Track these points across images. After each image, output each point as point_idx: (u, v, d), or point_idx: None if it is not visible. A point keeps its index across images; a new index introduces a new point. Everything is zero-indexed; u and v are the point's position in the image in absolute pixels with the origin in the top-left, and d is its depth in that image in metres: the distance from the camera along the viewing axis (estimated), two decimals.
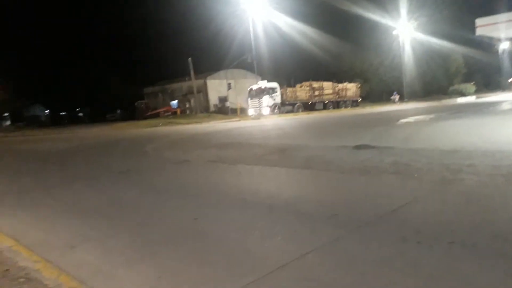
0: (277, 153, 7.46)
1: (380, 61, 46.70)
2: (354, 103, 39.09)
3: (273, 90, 32.60)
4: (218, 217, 3.60)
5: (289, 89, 34.50)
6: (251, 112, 32.10)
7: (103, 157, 10.36)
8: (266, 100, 31.73)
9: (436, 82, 47.09)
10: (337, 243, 2.79)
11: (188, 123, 27.50)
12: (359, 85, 40.18)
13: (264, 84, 32.66)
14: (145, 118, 38.02)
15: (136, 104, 46.67)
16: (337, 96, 37.73)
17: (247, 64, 36.10)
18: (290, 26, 39.72)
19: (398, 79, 43.76)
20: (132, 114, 44.36)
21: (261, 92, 32.19)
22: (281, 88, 33.88)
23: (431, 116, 15.29)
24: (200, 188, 5.01)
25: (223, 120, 28.19)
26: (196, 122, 27.56)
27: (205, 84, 40.07)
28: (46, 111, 70.27)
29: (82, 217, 3.97)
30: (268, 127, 17.01)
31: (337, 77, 41.15)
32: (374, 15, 41.93)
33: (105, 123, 38.99)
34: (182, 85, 42.20)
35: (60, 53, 63.66)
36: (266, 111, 31.30)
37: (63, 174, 7.25)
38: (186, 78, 37.25)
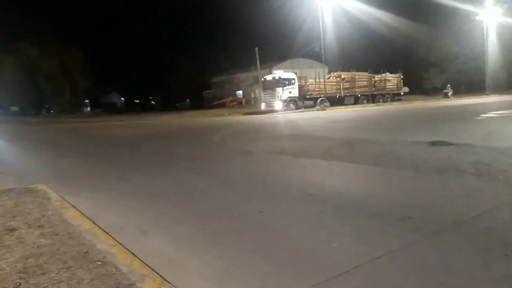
0: (344, 147, 7.22)
1: (459, 49, 42.77)
2: (395, 97, 34.45)
3: (289, 81, 28.74)
4: (284, 211, 3.55)
5: (310, 81, 30.27)
6: (263, 106, 29.17)
7: (173, 144, 10.80)
8: (280, 93, 27.99)
9: None
10: (411, 248, 2.60)
11: (252, 113, 27.76)
12: (401, 76, 35.77)
13: (279, 74, 29.15)
14: (212, 107, 39.11)
15: (203, 93, 48.15)
16: (373, 89, 33.47)
17: (314, 53, 35.27)
18: (361, 12, 37.21)
19: (479, 69, 39.74)
20: (200, 103, 45.82)
21: (274, 84, 28.57)
22: (303, 79, 30.07)
23: None
24: (265, 180, 5.00)
25: (287, 111, 27.98)
26: (260, 113, 27.71)
27: (271, 73, 40.20)
28: (121, 99, 75.12)
29: (153, 203, 4.15)
30: (334, 119, 16.59)
31: (411, 67, 38.76)
32: None
33: (175, 111, 40.75)
34: (248, 75, 42.62)
35: (136, 43, 67.40)
36: (278, 105, 27.78)
37: (136, 160, 7.66)
38: (252, 68, 37.56)
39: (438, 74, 44.71)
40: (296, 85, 29.05)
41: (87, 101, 69.30)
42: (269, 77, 29.63)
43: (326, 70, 33.42)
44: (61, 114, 58.35)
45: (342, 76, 31.95)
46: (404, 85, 35.02)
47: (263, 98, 29.71)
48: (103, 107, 67.20)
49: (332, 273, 2.29)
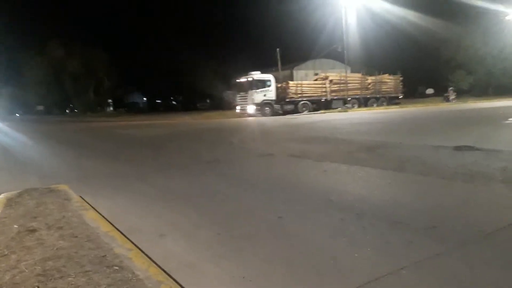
0: (366, 151, 7.07)
1: (488, 50, 41.34)
2: (392, 101, 31.70)
3: (263, 83, 26.62)
4: (303, 217, 3.47)
5: (291, 83, 28.04)
6: (238, 109, 27.48)
7: (193, 145, 10.84)
8: (253, 96, 26.15)
9: None
10: (437, 260, 2.49)
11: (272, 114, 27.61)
12: (400, 77, 33.29)
13: (254, 75, 26.93)
14: (232, 108, 39.19)
15: (223, 94, 48.33)
16: (366, 92, 30.89)
17: (337, 53, 34.69)
18: (386, 11, 36.14)
19: (508, 71, 38.30)
20: (220, 103, 46.02)
21: (247, 86, 26.73)
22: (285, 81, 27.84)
23: None
24: (284, 183, 4.93)
25: (307, 112, 27.69)
26: (278, 114, 27.55)
27: (291, 74, 39.85)
28: (144, 99, 76.31)
29: (172, 205, 4.14)
30: (355, 121, 16.34)
31: (437, 67, 37.69)
32: None
33: (196, 112, 41.08)
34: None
35: (158, 44, 68.36)
36: (251, 109, 25.90)
37: (156, 160, 7.71)
38: (273, 69, 37.45)
39: (465, 75, 43.42)
40: (272, 88, 27.02)
41: (110, 100, 70.74)
42: (242, 79, 27.70)
43: (349, 71, 32.93)
44: (84, 114, 59.79)
45: (330, 78, 29.59)
46: (428, 87, 33.85)
47: (237, 101, 27.99)
48: (125, 107, 68.48)
49: (353, 284, 2.21)
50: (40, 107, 75.07)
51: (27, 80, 66.05)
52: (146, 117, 27.28)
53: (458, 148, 6.45)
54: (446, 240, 2.78)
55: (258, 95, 26.36)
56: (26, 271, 2.33)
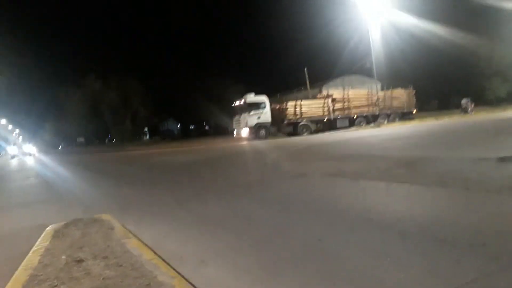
0: (404, 166, 6.88)
1: None
2: (406, 116, 30.08)
3: (257, 106, 26.23)
4: (343, 238, 3.41)
5: (290, 103, 27.14)
6: (234, 133, 27.17)
7: (227, 169, 10.96)
8: (246, 119, 25.85)
9: None
10: (489, 280, 2.35)
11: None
12: (413, 91, 31.52)
13: (247, 98, 26.61)
14: None
15: None
16: (375, 109, 29.68)
17: (366, 69, 34.46)
18: (414, 26, 35.68)
19: None
20: None
21: (240, 109, 26.56)
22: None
23: None
24: (321, 204, 4.86)
25: (341, 130, 27.35)
26: (311, 132, 27.37)
27: (321, 92, 39.86)
28: (178, 125, 78.37)
29: (211, 230, 4.17)
30: (389, 136, 15.99)
31: (470, 78, 36.46)
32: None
33: (228, 135, 41.54)
34: (298, 96, 42.66)
35: (188, 71, 70.54)
36: (244, 132, 25.63)
37: (192, 186, 7.84)
38: (302, 88, 37.57)
39: (501, 83, 41.82)
40: (267, 110, 26.57)
41: (146, 129, 73.08)
42: (237, 103, 27.48)
43: (379, 86, 32.52)
44: (122, 143, 61.96)
45: (334, 96, 28.57)
46: (463, 97, 32.45)
47: (234, 123, 27.60)
48: (161, 135, 70.49)
49: None
50: (81, 139, 78.68)
51: (68, 113, 69.72)
52: (180, 144, 27.92)
53: (502, 160, 6.16)
54: (498, 258, 2.63)
55: (251, 118, 26.00)
56: None
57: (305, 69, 37.29)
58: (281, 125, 27.00)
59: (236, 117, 27.49)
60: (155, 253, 3.30)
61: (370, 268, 2.72)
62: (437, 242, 3.02)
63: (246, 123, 26.02)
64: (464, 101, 31.53)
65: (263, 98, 27.06)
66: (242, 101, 26.81)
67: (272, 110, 27.37)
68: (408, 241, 3.14)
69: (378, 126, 26.46)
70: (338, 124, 28.17)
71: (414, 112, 31.14)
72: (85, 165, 19.34)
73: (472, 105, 31.23)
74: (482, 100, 39.92)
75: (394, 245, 3.09)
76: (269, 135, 26.55)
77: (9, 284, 2.84)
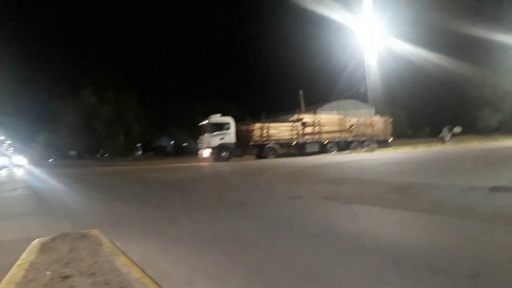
0: (397, 192, 6.87)
1: None
2: (381, 144, 29.56)
3: (220, 126, 26.35)
4: (336, 263, 3.35)
5: (256, 125, 27.02)
6: (199, 153, 27.30)
7: (221, 186, 10.87)
8: (208, 140, 25.93)
9: None
10: None
11: (301, 155, 27.56)
12: (390, 119, 31.26)
13: (212, 118, 26.67)
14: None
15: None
16: (348, 135, 29.17)
17: (360, 94, 34.93)
18: (409, 53, 36.29)
19: None
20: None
21: (205, 129, 26.67)
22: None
23: None
24: (314, 227, 4.81)
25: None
26: (306, 155, 27.44)
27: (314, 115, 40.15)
28: (171, 142, 78.23)
29: (201, 250, 4.09)
30: (382, 161, 16.07)
31: (463, 106, 37.06)
32: (504, 36, 36.69)
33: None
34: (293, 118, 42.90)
35: (183, 89, 71.05)
36: (206, 153, 25.91)
37: (183, 204, 7.73)
38: (297, 111, 37.91)
39: (493, 113, 42.56)
40: (231, 131, 26.60)
41: (139, 145, 72.82)
42: (204, 122, 27.38)
43: (373, 111, 32.91)
44: (114, 158, 61.56)
45: (304, 120, 28.24)
46: (456, 125, 32.80)
47: (198, 144, 27.67)
48: (153, 151, 70.20)
49: None
50: (73, 152, 78.16)
51: (60, 126, 69.38)
52: (172, 160, 27.79)
53: (494, 189, 6.18)
54: None
55: (214, 139, 25.97)
56: None
57: (300, 92, 37.71)
58: (247, 146, 26.84)
59: (200, 138, 27.53)
60: (143, 271, 3.22)
61: None
62: (431, 270, 2.98)
63: (209, 143, 26.06)
64: (444, 130, 31.33)
65: (228, 119, 27.13)
66: (206, 121, 26.85)
67: (240, 132, 27.34)
68: (402, 268, 3.10)
69: (372, 151, 26.62)
70: (308, 148, 27.91)
71: (389, 141, 30.80)
72: (75, 178, 19.10)
73: (450, 135, 30.92)
74: (474, 129, 40.48)
75: (387, 272, 3.04)
76: (232, 156, 26.50)
77: None
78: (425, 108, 33.86)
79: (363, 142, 29.49)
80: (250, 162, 24.18)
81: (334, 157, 23.06)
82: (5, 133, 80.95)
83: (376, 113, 33.41)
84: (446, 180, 8.49)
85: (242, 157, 27.44)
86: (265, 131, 26.96)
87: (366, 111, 32.33)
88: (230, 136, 26.46)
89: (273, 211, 6.22)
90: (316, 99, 41.04)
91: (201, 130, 27.66)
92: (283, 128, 27.91)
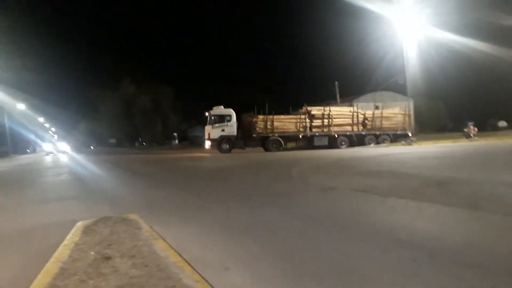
0: (436, 186, 6.67)
1: None
2: (399, 139, 27.77)
3: (221, 118, 26.44)
4: (370, 256, 3.32)
5: (260, 117, 26.47)
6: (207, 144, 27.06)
7: (254, 177, 10.96)
8: (209, 131, 26.20)
9: None
10: None
11: (331, 147, 27.25)
12: (407, 112, 29.07)
13: (213, 110, 26.88)
14: None
15: None
16: (360, 129, 27.83)
17: (398, 86, 33.80)
18: (453, 41, 34.34)
19: None
20: None
21: (208, 121, 26.76)
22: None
23: None
24: (348, 219, 4.78)
25: (370, 146, 26.90)
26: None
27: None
28: None
29: (235, 236, 4.17)
30: (421, 154, 15.59)
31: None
32: None
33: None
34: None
35: (218, 80, 71.72)
36: (207, 144, 26.16)
37: (220, 192, 7.87)
38: (332, 102, 37.35)
39: None
40: (232, 122, 26.51)
41: (175, 134, 74.44)
42: (206, 114, 27.44)
43: (412, 103, 31.79)
44: (152, 146, 63.26)
45: (312, 112, 27.15)
46: (501, 119, 31.11)
47: (204, 135, 27.69)
48: (189, 140, 71.56)
49: None
50: (112, 140, 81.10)
51: (101, 115, 72.03)
52: (208, 150, 28.17)
53: None
54: None
55: (215, 130, 26.24)
56: None
57: (336, 83, 37.09)
58: (250, 138, 26.75)
59: (204, 129, 27.90)
60: (180, 256, 3.33)
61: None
62: (469, 266, 2.91)
63: (210, 134, 26.39)
64: (469, 124, 29.63)
65: (230, 111, 27.12)
66: (211, 112, 27.02)
67: (243, 123, 27.36)
68: (439, 263, 3.03)
69: (410, 144, 25.80)
70: (316, 142, 27.20)
71: (410, 135, 28.86)
72: (116, 165, 19.85)
73: (476, 129, 29.23)
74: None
75: (423, 266, 2.98)
76: (233, 148, 26.51)
77: (40, 274, 2.94)
78: (469, 101, 32.23)
79: (377, 136, 28.20)
80: (264, 154, 24.21)
81: (370, 150, 22.60)
82: (49, 121, 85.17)
83: (415, 105, 32.34)
84: (488, 175, 8.14)
85: (244, 150, 27.24)
86: (269, 123, 26.66)
87: (404, 103, 31.24)
88: (231, 128, 26.58)
89: (306, 201, 6.22)
90: (353, 91, 40.31)
91: (207, 121, 27.86)
92: (289, 121, 27.41)
